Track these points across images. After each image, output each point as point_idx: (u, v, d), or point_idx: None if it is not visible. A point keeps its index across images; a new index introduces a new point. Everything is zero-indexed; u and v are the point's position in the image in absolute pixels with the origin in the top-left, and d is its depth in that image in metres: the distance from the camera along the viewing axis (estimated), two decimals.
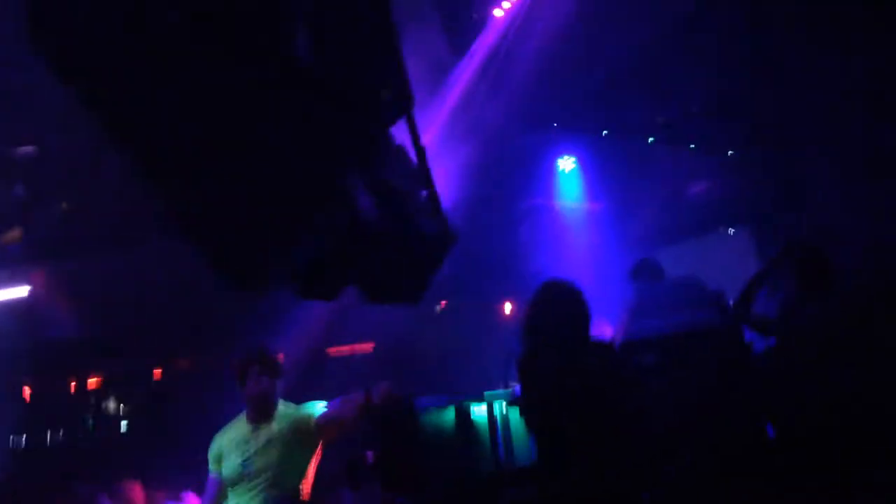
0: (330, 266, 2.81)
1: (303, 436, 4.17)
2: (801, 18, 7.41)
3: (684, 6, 7.33)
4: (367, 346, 11.54)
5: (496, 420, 5.80)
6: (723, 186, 9.84)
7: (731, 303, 4.65)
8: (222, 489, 4.19)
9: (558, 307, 3.80)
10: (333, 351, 11.45)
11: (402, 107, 3.14)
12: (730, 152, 9.75)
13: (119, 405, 12.18)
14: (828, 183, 8.30)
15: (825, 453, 3.66)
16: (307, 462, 4.18)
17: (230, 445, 4.20)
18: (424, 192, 3.22)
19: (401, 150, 3.15)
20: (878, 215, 7.33)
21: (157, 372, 11.91)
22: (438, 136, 7.46)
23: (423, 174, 3.25)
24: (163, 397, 11.48)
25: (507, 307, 10.99)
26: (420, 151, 3.17)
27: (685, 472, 3.98)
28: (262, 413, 4.22)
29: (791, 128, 8.62)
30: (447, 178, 7.72)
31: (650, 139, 9.57)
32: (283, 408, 4.28)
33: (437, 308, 11.78)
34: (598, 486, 3.44)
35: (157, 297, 9.45)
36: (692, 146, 9.66)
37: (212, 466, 4.27)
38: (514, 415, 5.87)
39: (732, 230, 10.03)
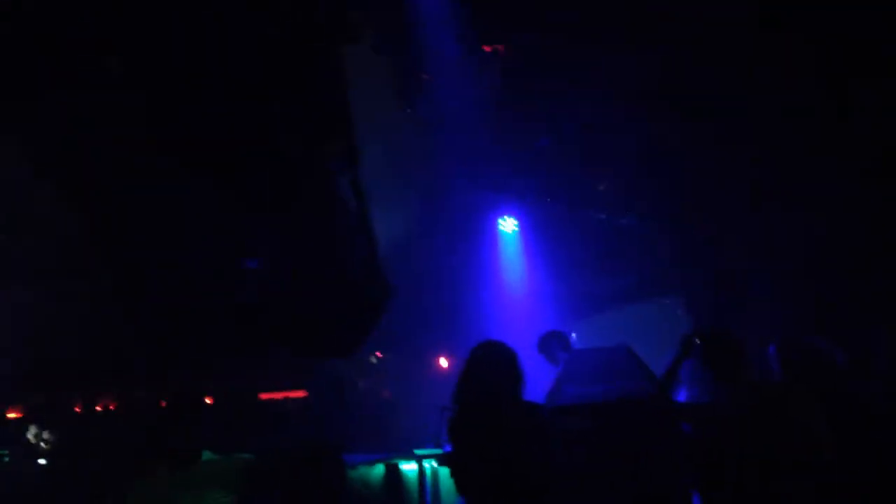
0: (261, 317, 2.80)
1: (226, 487, 4.07)
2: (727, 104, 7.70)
3: (627, 85, 7.59)
4: (300, 393, 11.36)
5: (426, 478, 5.78)
6: (659, 256, 10.09)
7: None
8: None
9: (490, 368, 3.83)
10: (265, 396, 11.24)
11: (348, 160, 3.18)
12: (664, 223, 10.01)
13: (38, 440, 11.70)
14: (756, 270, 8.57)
15: None
16: None
17: (147, 493, 4.06)
18: (364, 247, 3.24)
19: (343, 203, 3.17)
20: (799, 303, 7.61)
21: (79, 408, 11.52)
22: (383, 191, 7.51)
23: (364, 228, 3.28)
24: (84, 434, 11.10)
25: (443, 362, 10.98)
26: (362, 206, 3.20)
27: None
28: (182, 459, 4.11)
29: (718, 204, 8.93)
30: (390, 233, 7.76)
31: (590, 208, 9.80)
32: (208, 456, 4.17)
33: (373, 359, 11.70)
34: None
35: (85, 331, 9.23)
36: (630, 215, 9.90)
37: None
38: (445, 473, 5.85)
39: (667, 301, 10.22)
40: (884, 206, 6.73)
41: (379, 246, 3.98)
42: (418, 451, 6.03)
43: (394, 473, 5.70)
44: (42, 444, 11.52)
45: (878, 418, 4.09)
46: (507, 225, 10.64)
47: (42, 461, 11.57)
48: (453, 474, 3.86)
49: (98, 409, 11.36)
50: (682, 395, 4.90)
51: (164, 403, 4.22)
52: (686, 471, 4.37)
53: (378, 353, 11.70)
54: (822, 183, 7.22)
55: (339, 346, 3.12)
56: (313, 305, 3.02)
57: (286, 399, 11.32)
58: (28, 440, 11.61)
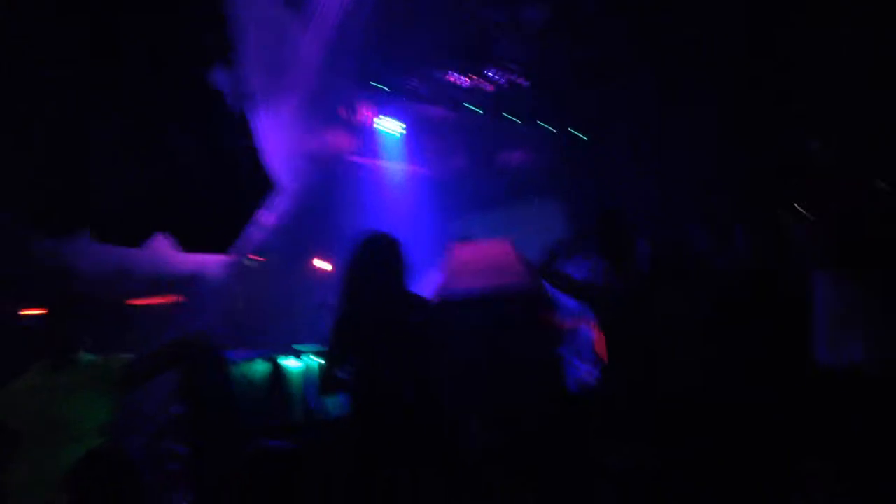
0: (137, 210, 2.74)
1: (105, 387, 3.96)
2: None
3: None
4: (176, 298, 11.10)
5: (307, 372, 5.86)
6: (536, 158, 10.32)
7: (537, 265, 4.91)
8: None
9: (377, 259, 3.85)
10: (142, 301, 10.92)
11: (225, 55, 3.08)
12: (543, 125, 10.20)
13: None
14: (629, 162, 8.93)
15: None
16: (108, 415, 3.97)
17: (23, 396, 3.91)
18: (244, 143, 3.19)
19: (223, 100, 3.09)
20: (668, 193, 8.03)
21: None
22: (263, 89, 7.25)
23: (244, 126, 3.22)
24: None
25: (322, 263, 10.92)
26: (242, 103, 3.13)
27: (491, 426, 4.20)
28: (60, 361, 3.98)
29: (601, 111, 9.19)
30: (270, 132, 7.55)
31: (468, 106, 9.82)
32: (84, 357, 4.05)
33: (247, 262, 11.51)
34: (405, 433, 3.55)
35: None
36: (509, 117, 10.03)
37: None
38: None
39: (537, 200, 10.48)
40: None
41: (259, 141, 3.89)
42: (297, 346, 6.10)
43: (275, 368, 5.76)
44: None
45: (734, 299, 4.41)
46: (390, 125, 10.53)
47: None
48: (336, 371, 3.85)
49: None
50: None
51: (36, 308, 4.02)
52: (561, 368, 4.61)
53: (253, 256, 11.47)
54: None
55: (216, 240, 3.06)
56: (189, 198, 2.96)
57: (166, 302, 11.03)
58: None
